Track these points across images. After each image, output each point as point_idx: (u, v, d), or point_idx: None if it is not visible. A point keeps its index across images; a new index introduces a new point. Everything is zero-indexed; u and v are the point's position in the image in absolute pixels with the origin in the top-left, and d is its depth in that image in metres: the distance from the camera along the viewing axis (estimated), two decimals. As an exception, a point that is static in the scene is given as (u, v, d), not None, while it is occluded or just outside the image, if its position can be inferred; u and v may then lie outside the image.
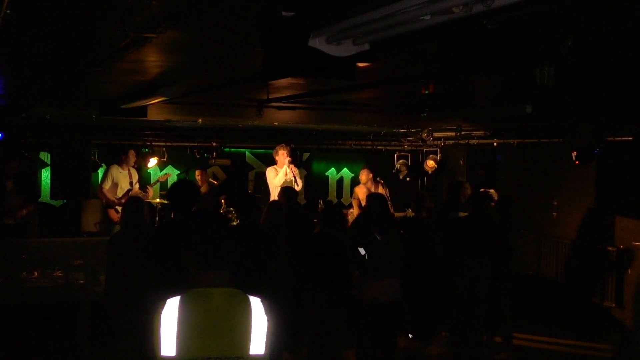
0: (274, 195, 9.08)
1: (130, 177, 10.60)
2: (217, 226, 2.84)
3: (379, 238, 6.50)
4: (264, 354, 2.64)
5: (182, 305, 2.60)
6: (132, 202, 6.33)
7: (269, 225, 6.87)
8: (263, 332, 2.63)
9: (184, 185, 6.29)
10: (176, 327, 2.56)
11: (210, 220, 3.01)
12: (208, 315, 2.60)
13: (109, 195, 10.33)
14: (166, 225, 6.13)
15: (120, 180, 10.50)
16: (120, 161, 10.57)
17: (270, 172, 9.74)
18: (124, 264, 5.89)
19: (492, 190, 8.67)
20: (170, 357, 2.56)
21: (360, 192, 11.16)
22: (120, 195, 10.35)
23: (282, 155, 9.60)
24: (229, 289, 2.69)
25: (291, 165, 9.62)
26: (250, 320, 2.63)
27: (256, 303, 2.67)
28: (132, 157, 10.66)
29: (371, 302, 6.45)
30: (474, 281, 7.27)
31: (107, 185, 10.40)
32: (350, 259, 6.48)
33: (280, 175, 9.51)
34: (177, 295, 2.64)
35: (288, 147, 9.77)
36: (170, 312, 2.59)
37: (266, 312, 2.68)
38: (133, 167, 10.81)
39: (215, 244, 2.72)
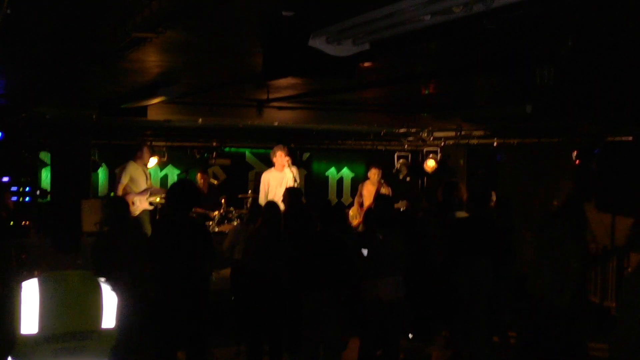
0: (275, 196, 9.03)
1: (145, 173, 10.51)
2: (70, 213, 3.25)
3: (380, 237, 6.51)
4: (114, 327, 3.03)
5: (42, 287, 2.92)
6: (112, 201, 6.57)
7: (268, 225, 6.87)
8: (113, 308, 3.02)
9: (183, 185, 6.33)
10: (38, 306, 2.88)
11: (66, 207, 3.32)
12: (65, 295, 2.95)
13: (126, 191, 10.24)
14: (166, 224, 6.16)
15: (138, 177, 10.36)
16: (136, 157, 10.47)
17: (270, 175, 9.58)
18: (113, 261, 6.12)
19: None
20: (32, 334, 2.87)
21: (366, 190, 11.17)
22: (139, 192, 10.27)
23: (279, 157, 9.47)
24: (81, 271, 3.06)
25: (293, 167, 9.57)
26: (101, 298, 3.00)
27: (104, 283, 3.08)
28: (146, 153, 10.45)
29: (373, 301, 6.45)
30: (475, 282, 7.27)
31: (125, 181, 10.25)
32: (353, 258, 6.49)
33: (286, 179, 9.36)
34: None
35: (286, 148, 9.69)
36: (30, 294, 2.89)
37: (114, 291, 3.07)
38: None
39: (68, 229, 3.13)
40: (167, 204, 6.65)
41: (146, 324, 6.17)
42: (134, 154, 10.20)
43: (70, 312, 2.93)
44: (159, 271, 5.91)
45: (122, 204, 6.77)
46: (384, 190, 10.93)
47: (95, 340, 2.96)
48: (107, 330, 2.99)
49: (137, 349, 5.95)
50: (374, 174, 11.20)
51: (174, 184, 6.29)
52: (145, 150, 10.34)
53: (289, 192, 7.94)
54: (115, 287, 3.11)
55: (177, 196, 5.92)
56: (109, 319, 3.00)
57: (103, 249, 6.30)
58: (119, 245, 6.27)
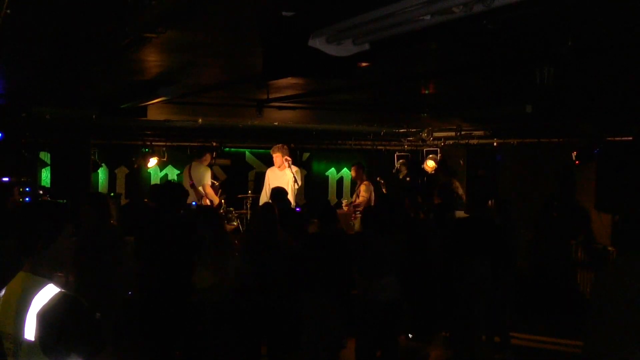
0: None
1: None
2: (23, 218, 3.01)
3: (373, 236, 6.51)
4: (34, 341, 2.76)
5: (7, 286, 2.95)
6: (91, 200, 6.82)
7: (265, 225, 6.87)
8: (33, 322, 2.77)
9: (170, 186, 6.44)
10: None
11: (27, 209, 3.22)
12: (9, 295, 2.90)
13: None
14: (157, 224, 6.28)
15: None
16: (202, 159, 10.52)
17: (271, 174, 9.64)
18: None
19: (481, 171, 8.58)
20: None
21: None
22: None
23: (277, 157, 9.57)
24: (30, 274, 2.88)
25: (292, 166, 9.59)
26: (29, 307, 2.79)
27: (46, 292, 2.81)
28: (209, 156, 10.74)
29: (370, 301, 6.45)
30: (475, 281, 7.27)
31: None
32: (350, 257, 6.49)
33: (289, 179, 9.41)
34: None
35: (285, 147, 9.71)
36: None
37: (56, 305, 2.77)
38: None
39: (23, 233, 2.94)
40: (155, 204, 6.73)
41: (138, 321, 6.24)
42: (201, 156, 10.42)
43: (8, 313, 2.85)
44: (149, 269, 5.99)
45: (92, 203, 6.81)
46: (363, 187, 10.93)
47: (17, 348, 2.81)
48: (28, 342, 2.78)
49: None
50: (352, 171, 11.45)
51: (161, 185, 6.46)
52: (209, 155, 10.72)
53: (273, 193, 8.01)
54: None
55: (165, 197, 6.04)
56: (30, 330, 2.77)
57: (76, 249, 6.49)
58: (84, 245, 6.45)
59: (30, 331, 2.76)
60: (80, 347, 2.77)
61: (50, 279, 2.86)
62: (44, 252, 2.88)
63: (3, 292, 2.94)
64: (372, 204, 10.44)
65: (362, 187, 10.90)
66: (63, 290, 2.82)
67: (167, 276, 5.93)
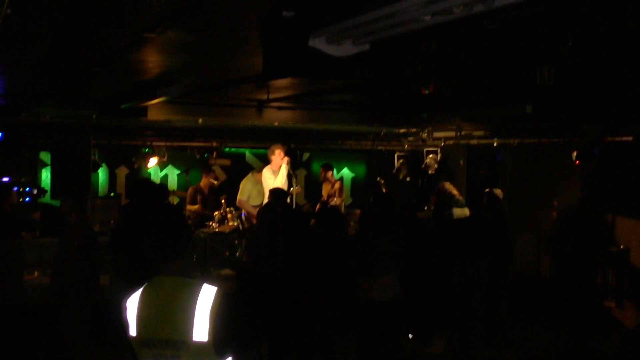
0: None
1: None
2: (170, 219, 3.01)
3: (371, 236, 6.51)
4: (207, 341, 2.78)
5: (142, 292, 2.92)
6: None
7: (263, 227, 6.88)
8: (206, 320, 2.79)
9: (147, 182, 6.91)
10: (135, 311, 2.88)
11: (164, 213, 3.12)
12: (158, 301, 2.88)
13: None
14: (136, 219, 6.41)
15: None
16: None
17: (266, 173, 9.54)
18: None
19: (498, 190, 8.60)
20: (132, 337, 2.89)
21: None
22: None
23: (278, 155, 9.43)
24: (180, 277, 2.89)
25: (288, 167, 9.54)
26: (194, 308, 2.80)
27: (207, 292, 2.83)
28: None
29: (370, 301, 6.44)
30: (473, 281, 7.27)
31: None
32: (350, 258, 6.49)
33: (279, 178, 9.35)
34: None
35: (284, 147, 9.64)
36: (134, 298, 2.92)
37: (222, 303, 2.81)
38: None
39: (166, 236, 2.94)
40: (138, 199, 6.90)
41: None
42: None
43: (162, 319, 2.84)
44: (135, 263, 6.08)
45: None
46: (328, 187, 10.97)
47: (185, 351, 2.80)
48: (198, 344, 2.78)
49: None
50: (322, 172, 11.62)
51: (140, 182, 6.75)
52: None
53: (273, 193, 7.93)
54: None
55: (144, 192, 6.37)
56: (200, 331, 2.77)
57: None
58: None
59: (200, 332, 2.78)
60: (248, 343, 2.95)
61: (199, 279, 2.92)
62: (184, 256, 2.95)
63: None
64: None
65: (339, 188, 10.95)
66: (220, 289, 2.85)
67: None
